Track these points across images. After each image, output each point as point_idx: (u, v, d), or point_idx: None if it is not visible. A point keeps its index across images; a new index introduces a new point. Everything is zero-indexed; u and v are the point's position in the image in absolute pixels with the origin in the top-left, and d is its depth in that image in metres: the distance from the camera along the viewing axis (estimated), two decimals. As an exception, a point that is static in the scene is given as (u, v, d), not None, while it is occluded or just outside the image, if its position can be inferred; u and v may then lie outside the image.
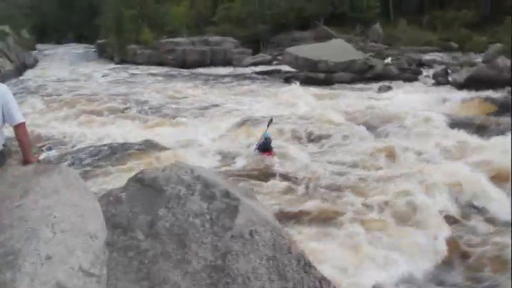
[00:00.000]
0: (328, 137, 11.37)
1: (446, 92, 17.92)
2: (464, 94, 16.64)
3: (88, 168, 9.20)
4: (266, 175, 8.60)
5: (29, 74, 30.63)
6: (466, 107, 14.98)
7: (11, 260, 1.97)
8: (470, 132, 10.93)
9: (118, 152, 10.02)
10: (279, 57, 30.07)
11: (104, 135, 12.25)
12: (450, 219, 6.83)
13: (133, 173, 8.55)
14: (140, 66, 32.99)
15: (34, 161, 2.78)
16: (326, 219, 6.71)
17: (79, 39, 62.11)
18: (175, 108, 16.23)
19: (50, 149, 11.24)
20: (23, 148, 2.80)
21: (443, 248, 6.03)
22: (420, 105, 15.03)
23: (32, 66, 35.41)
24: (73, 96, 19.08)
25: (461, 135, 10.85)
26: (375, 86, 20.33)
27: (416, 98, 16.60)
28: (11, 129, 2.92)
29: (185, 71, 29.90)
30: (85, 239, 2.22)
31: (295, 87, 19.27)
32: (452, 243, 6.16)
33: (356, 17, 35.62)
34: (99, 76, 28.11)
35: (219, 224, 2.82)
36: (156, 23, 37.82)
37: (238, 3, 38.02)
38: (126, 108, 16.17)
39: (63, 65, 36.05)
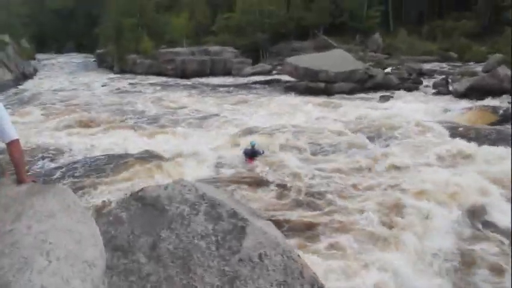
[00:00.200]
0: (325, 146, 11.35)
1: (447, 101, 17.84)
2: (465, 103, 16.59)
3: (85, 179, 9.07)
4: (258, 182, 8.84)
5: (28, 83, 30.60)
6: (467, 116, 14.85)
7: (1, 292, 1.80)
8: (469, 141, 10.90)
9: (115, 162, 9.92)
10: (279, 67, 30.03)
11: (101, 145, 12.15)
12: (444, 227, 6.74)
13: (131, 183, 8.58)
14: (139, 76, 32.97)
15: (29, 181, 2.61)
16: (311, 227, 6.85)
17: (79, 48, 62.26)
18: (173, 118, 16.11)
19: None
20: (17, 167, 2.63)
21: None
22: (421, 114, 14.92)
23: (32, 75, 35.40)
24: (71, 106, 19.03)
25: (461, 144, 10.79)
26: (376, 95, 20.25)
27: (417, 107, 16.50)
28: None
29: (185, 81, 29.83)
30: (83, 268, 2.04)
31: (295, 97, 19.10)
32: (446, 250, 6.14)
33: (355, 27, 35.66)
34: (98, 86, 28.04)
35: (225, 246, 2.64)
36: (156, 32, 37.83)
37: (237, 12, 38.06)
38: (124, 119, 16.07)
39: (62, 75, 36.06)
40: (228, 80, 29.89)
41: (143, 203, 2.97)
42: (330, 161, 10.38)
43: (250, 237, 2.66)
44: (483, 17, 33.29)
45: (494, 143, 10.80)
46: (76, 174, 9.47)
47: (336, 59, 23.35)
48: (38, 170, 10.18)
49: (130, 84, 28.78)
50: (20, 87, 28.40)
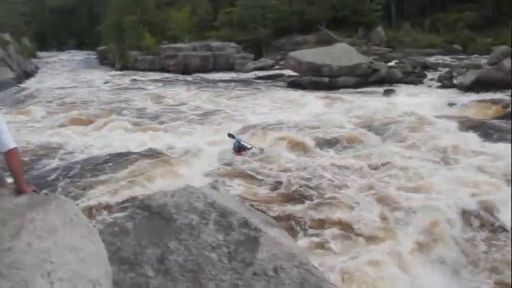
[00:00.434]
0: (328, 141, 11.24)
1: (452, 94, 17.62)
2: (471, 97, 16.35)
3: (88, 178, 8.96)
4: (252, 176, 8.79)
5: (30, 82, 30.52)
6: (474, 109, 14.65)
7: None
8: (475, 135, 10.78)
9: (119, 161, 9.81)
10: (282, 62, 29.79)
11: (104, 143, 12.09)
12: (448, 223, 6.65)
13: (136, 182, 8.46)
14: (141, 73, 32.79)
15: (29, 191, 2.47)
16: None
17: (80, 46, 62.24)
18: (174, 116, 15.90)
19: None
20: (15, 176, 2.48)
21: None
22: (426, 108, 14.72)
23: (33, 73, 35.36)
24: (72, 104, 18.92)
25: (467, 138, 10.68)
26: (380, 89, 20.02)
27: (422, 101, 16.31)
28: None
29: (187, 77, 29.62)
30: (87, 288, 1.90)
31: (298, 92, 18.89)
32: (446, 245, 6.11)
33: (358, 21, 35.33)
34: (100, 83, 27.91)
35: (238, 258, 2.50)
36: (157, 29, 37.61)
37: (239, 7, 37.78)
38: (125, 116, 15.89)
39: (64, 73, 35.98)
40: (231, 75, 29.69)
41: (150, 211, 2.82)
42: (333, 156, 10.28)
43: (264, 249, 2.51)
44: (485, 8, 32.88)
45: (500, 137, 10.63)
46: (75, 173, 9.33)
47: (340, 53, 23.10)
48: (39, 169, 10.08)
49: (132, 80, 28.65)
50: (22, 85, 28.33)
